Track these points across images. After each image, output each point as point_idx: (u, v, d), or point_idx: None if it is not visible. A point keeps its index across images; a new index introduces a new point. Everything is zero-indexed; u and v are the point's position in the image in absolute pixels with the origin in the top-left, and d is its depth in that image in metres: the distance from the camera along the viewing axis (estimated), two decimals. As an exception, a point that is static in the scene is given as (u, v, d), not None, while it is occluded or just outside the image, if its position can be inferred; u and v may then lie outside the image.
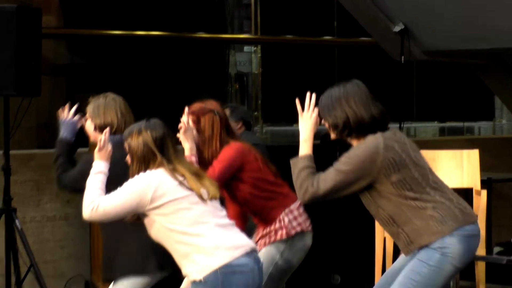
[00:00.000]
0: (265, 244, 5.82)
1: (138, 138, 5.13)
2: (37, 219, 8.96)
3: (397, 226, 5.16)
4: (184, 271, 5.06)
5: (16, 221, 8.37)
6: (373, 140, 5.13)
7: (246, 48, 12.76)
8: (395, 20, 9.07)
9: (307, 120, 5.34)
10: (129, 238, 5.84)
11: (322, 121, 5.33)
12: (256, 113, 11.88)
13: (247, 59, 12.77)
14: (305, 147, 5.30)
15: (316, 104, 5.35)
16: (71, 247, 9.13)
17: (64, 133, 6.46)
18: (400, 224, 5.13)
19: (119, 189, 5.04)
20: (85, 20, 11.59)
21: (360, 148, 5.16)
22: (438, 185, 5.22)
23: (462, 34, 8.87)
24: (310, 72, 12.39)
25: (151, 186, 4.96)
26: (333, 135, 5.34)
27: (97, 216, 5.06)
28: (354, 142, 5.31)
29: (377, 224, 5.56)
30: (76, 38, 11.61)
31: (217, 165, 5.71)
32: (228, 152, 5.80)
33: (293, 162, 5.28)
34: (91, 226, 8.66)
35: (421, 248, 5.09)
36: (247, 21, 12.57)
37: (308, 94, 5.35)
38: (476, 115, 12.97)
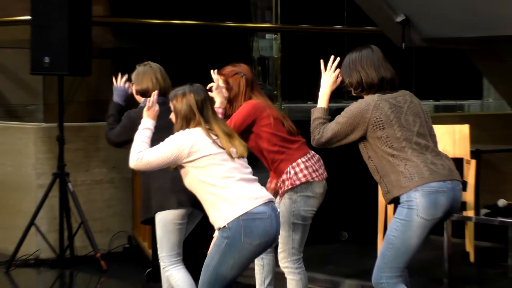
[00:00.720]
0: (281, 196, 5.77)
1: (183, 100, 5.17)
2: (87, 183, 8.88)
3: (380, 176, 5.19)
4: (211, 218, 5.08)
5: (69, 184, 8.47)
6: (368, 100, 5.18)
7: (267, 36, 12.69)
8: (397, 11, 8.98)
9: (327, 78, 5.43)
10: (157, 182, 5.85)
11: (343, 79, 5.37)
12: (276, 91, 11.83)
13: (269, 45, 12.72)
14: (322, 101, 5.42)
15: (338, 66, 5.42)
16: (116, 207, 9.06)
17: (116, 97, 6.51)
18: (382, 175, 5.17)
19: (162, 143, 5.08)
20: (129, 9, 11.51)
21: (355, 105, 5.21)
22: (419, 147, 5.18)
23: (457, 23, 8.78)
24: (323, 57, 12.19)
25: (189, 143, 5.00)
26: (351, 91, 5.36)
27: (141, 166, 5.12)
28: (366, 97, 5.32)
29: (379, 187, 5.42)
30: (121, 26, 11.54)
31: (234, 117, 5.72)
32: (245, 107, 5.78)
33: (311, 112, 5.37)
34: (133, 189, 8.58)
35: (394, 200, 5.16)
36: (268, 11, 12.59)
37: (332, 57, 5.46)
38: (467, 95, 12.94)
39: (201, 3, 11.31)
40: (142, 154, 5.07)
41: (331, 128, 5.19)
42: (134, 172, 8.12)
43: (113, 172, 9.10)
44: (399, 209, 5.16)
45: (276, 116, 5.81)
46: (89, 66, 8.69)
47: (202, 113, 5.16)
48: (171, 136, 5.13)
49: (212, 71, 5.81)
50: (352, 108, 5.19)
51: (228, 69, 5.93)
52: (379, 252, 5.27)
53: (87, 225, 8.47)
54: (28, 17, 8.67)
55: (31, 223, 8.43)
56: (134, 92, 6.28)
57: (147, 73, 6.21)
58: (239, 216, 4.89)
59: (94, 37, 9.05)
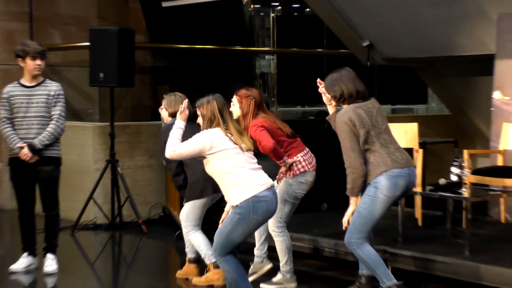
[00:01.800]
0: (280, 179, 5.80)
1: (207, 106, 5.23)
2: (131, 167, 8.88)
3: (365, 164, 5.21)
4: (226, 197, 5.13)
5: (118, 168, 8.53)
6: (347, 109, 5.26)
7: (267, 57, 12.64)
8: (363, 38, 8.93)
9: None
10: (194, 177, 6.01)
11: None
12: (273, 98, 11.79)
13: (267, 64, 12.68)
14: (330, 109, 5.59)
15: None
16: (153, 185, 9.06)
17: None
18: (365, 164, 5.20)
19: (190, 139, 5.12)
20: (163, 37, 11.46)
21: (340, 117, 5.26)
22: (386, 142, 5.24)
23: (408, 47, 8.73)
24: (307, 73, 12.22)
25: (210, 140, 5.06)
26: (334, 103, 5.45)
27: (174, 156, 5.18)
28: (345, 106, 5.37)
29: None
30: (156, 49, 11.50)
31: (260, 140, 5.66)
32: (255, 128, 5.73)
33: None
34: (166, 172, 8.53)
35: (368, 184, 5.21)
36: (267, 39, 12.59)
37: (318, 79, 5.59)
38: (415, 100, 12.91)
39: (218, 33, 11.29)
40: (175, 147, 5.10)
41: (343, 140, 5.24)
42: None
43: (151, 159, 9.06)
44: (368, 188, 5.22)
45: (277, 126, 5.80)
46: (133, 79, 8.73)
47: (222, 115, 5.20)
48: (198, 134, 5.16)
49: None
50: (340, 119, 5.24)
51: (243, 92, 5.89)
52: (351, 220, 5.29)
53: (131, 199, 8.49)
54: (88, 44, 8.65)
55: (90, 197, 8.47)
56: (165, 113, 6.31)
57: (177, 101, 6.15)
58: (249, 198, 4.96)
59: (136, 58, 9.07)
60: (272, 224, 5.79)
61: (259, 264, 6.08)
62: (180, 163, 6.04)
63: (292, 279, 5.93)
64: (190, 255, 6.20)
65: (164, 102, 6.32)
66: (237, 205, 5.01)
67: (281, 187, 5.77)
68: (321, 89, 5.51)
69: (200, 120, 5.28)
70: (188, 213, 6.04)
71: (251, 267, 6.04)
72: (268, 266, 6.08)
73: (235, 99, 5.80)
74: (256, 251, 6.08)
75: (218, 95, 5.31)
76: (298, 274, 5.96)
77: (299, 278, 5.98)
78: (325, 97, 5.47)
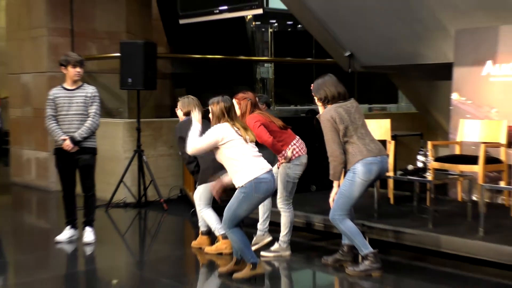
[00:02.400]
0: (279, 164, 5.82)
1: (217, 106, 5.24)
2: (154, 156, 8.85)
3: (345, 154, 5.24)
4: (233, 180, 5.14)
5: (143, 157, 8.54)
6: (329, 108, 5.29)
7: (265, 65, 12.62)
8: (345, 49, 8.89)
9: None
10: (205, 165, 5.99)
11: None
12: (271, 99, 11.79)
13: (266, 70, 12.69)
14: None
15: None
16: (172, 170, 9.01)
17: None
18: (345, 153, 5.23)
19: (205, 135, 5.15)
20: (180, 49, 11.46)
21: (324, 116, 5.29)
22: (362, 135, 5.27)
23: (382, 56, 8.71)
24: (299, 78, 12.22)
25: (222, 133, 5.11)
26: (320, 104, 5.44)
27: (195, 151, 5.23)
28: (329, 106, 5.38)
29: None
30: (174, 59, 11.52)
31: (256, 132, 5.62)
32: (254, 123, 5.74)
33: None
34: (182, 160, 8.54)
35: (348, 170, 5.24)
36: (266, 50, 12.59)
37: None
38: (388, 100, 12.87)
39: (225, 45, 11.29)
40: (196, 144, 5.14)
41: (326, 134, 5.27)
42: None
43: (170, 150, 9.01)
44: (348, 173, 5.25)
45: (270, 120, 5.80)
46: (155, 83, 8.69)
47: (229, 114, 5.22)
48: (210, 130, 5.18)
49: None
50: (324, 117, 5.27)
51: (240, 95, 5.89)
52: (335, 200, 5.31)
53: (154, 182, 8.47)
54: (119, 54, 8.63)
55: (121, 180, 8.46)
56: (180, 113, 6.31)
57: (190, 102, 6.19)
58: (251, 180, 5.03)
59: (158, 66, 9.02)
60: (281, 202, 5.86)
61: (261, 236, 6.09)
62: None
63: (287, 248, 5.95)
64: (202, 228, 6.21)
65: (179, 104, 6.31)
66: (242, 186, 5.04)
67: (282, 171, 5.80)
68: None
69: (210, 116, 5.29)
70: (201, 194, 6.04)
71: (254, 238, 6.04)
72: (268, 238, 6.09)
73: (234, 102, 5.76)
74: (259, 226, 6.09)
75: (227, 97, 5.33)
76: (292, 244, 5.98)
77: (293, 248, 5.99)
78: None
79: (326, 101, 5.36)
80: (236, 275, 5.17)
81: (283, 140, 5.77)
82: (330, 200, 5.36)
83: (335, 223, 5.33)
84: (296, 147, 5.80)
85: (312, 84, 5.49)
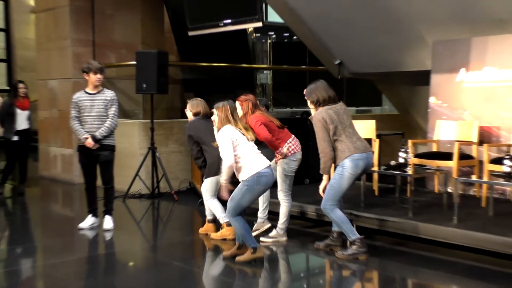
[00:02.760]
0: (277, 160, 5.81)
1: (222, 110, 5.19)
2: (166, 152, 8.81)
3: (335, 151, 5.25)
4: (237, 175, 5.15)
5: (156, 153, 8.49)
6: (320, 110, 5.29)
7: (265, 72, 12.56)
8: (335, 58, 8.87)
9: None
10: (211, 159, 5.97)
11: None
12: (269, 102, 11.75)
13: (265, 77, 12.61)
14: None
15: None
16: (182, 165, 8.98)
17: None
18: (335, 150, 5.23)
19: (223, 145, 5.09)
20: (189, 57, 11.46)
21: (316, 117, 5.28)
22: (350, 134, 5.27)
23: (367, 64, 8.71)
24: (294, 83, 12.21)
25: (231, 135, 5.09)
26: (313, 106, 5.41)
27: (231, 161, 5.07)
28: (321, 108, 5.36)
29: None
30: (184, 66, 11.51)
31: (257, 131, 5.64)
32: (255, 122, 5.74)
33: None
34: (191, 156, 8.53)
35: (337, 165, 5.26)
36: (265, 58, 12.55)
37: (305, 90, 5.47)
38: (373, 103, 12.83)
39: (229, 54, 11.28)
40: (226, 158, 5.06)
41: (317, 133, 5.26)
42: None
43: (180, 147, 8.97)
44: (337, 168, 5.26)
45: (269, 119, 5.81)
46: (167, 88, 8.64)
47: (233, 116, 5.21)
48: (222, 137, 5.12)
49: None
50: (316, 117, 5.26)
51: (242, 97, 5.85)
52: (325, 191, 5.33)
53: (166, 176, 8.44)
54: (135, 62, 8.60)
55: (136, 174, 8.44)
56: (189, 114, 6.25)
57: (199, 104, 6.20)
58: (254, 174, 5.05)
59: (170, 72, 8.99)
60: (281, 194, 5.87)
61: (261, 224, 6.10)
62: (200, 149, 6.06)
63: (284, 234, 5.95)
64: (209, 217, 6.21)
65: (188, 105, 6.28)
66: (246, 179, 5.05)
67: (279, 166, 5.81)
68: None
69: (215, 118, 5.25)
70: (207, 186, 6.03)
71: (255, 225, 6.05)
72: (267, 225, 6.09)
73: (237, 103, 5.76)
74: (259, 214, 6.11)
75: (231, 101, 5.31)
76: (288, 231, 5.98)
77: (289, 234, 6.00)
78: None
79: (318, 103, 5.36)
80: (238, 258, 5.18)
81: (280, 138, 5.78)
82: (320, 191, 5.37)
83: (326, 212, 5.34)
84: (292, 145, 5.80)
85: (305, 89, 5.47)
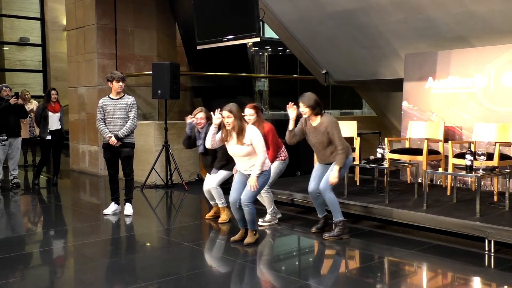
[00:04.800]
0: (272, 162, 5.73)
1: (237, 109, 4.96)
2: (178, 149, 8.71)
3: (330, 150, 5.25)
4: (259, 167, 4.96)
5: (169, 149, 8.41)
6: (328, 115, 5.27)
7: (262, 80, 12.50)
8: (322, 68, 8.86)
9: (292, 111, 5.21)
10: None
11: (302, 107, 5.19)
12: (266, 106, 11.71)
13: (263, 84, 12.54)
14: (291, 124, 5.25)
15: (296, 103, 5.23)
16: (192, 160, 8.94)
17: (187, 130, 6.23)
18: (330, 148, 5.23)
19: (259, 142, 4.89)
20: (198, 68, 11.41)
21: (333, 120, 5.20)
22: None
23: (350, 74, 8.70)
24: (288, 90, 12.17)
25: None
26: (309, 111, 5.19)
27: (263, 150, 4.97)
28: (314, 118, 5.23)
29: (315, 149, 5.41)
30: (194, 76, 11.46)
31: (273, 136, 5.72)
32: (272, 130, 5.77)
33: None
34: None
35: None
36: (263, 69, 12.49)
37: (290, 103, 5.24)
38: (355, 106, 12.80)
39: (231, 65, 11.26)
40: (265, 153, 4.93)
41: (338, 132, 5.18)
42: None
43: (191, 144, 8.95)
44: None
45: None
46: (178, 94, 8.56)
47: (241, 115, 5.00)
48: (257, 134, 4.91)
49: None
50: (333, 121, 5.18)
51: (252, 104, 5.75)
52: (327, 179, 5.27)
53: (178, 169, 8.40)
54: (151, 72, 8.54)
55: (152, 168, 8.40)
56: (202, 118, 6.07)
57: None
58: (270, 167, 5.09)
59: (181, 81, 8.92)
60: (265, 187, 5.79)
61: (273, 217, 5.94)
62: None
63: (276, 218, 5.94)
64: (214, 202, 6.17)
65: (201, 112, 6.08)
66: (267, 170, 4.99)
67: (276, 165, 5.80)
68: (299, 109, 5.22)
69: (230, 120, 4.93)
70: (222, 177, 5.99)
71: (267, 218, 5.92)
72: (276, 220, 5.99)
73: (249, 109, 5.60)
74: (269, 211, 5.92)
75: (234, 103, 5.08)
76: (280, 216, 5.95)
77: (280, 218, 6.01)
78: (295, 113, 5.20)
79: (317, 109, 5.24)
80: (247, 241, 5.08)
81: (280, 144, 5.87)
82: (336, 180, 5.19)
83: (326, 192, 5.25)
84: (284, 153, 5.88)
85: (301, 99, 5.23)
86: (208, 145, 5.11)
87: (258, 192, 5.05)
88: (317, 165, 5.48)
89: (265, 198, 5.81)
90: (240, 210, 5.08)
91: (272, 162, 5.74)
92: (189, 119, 6.10)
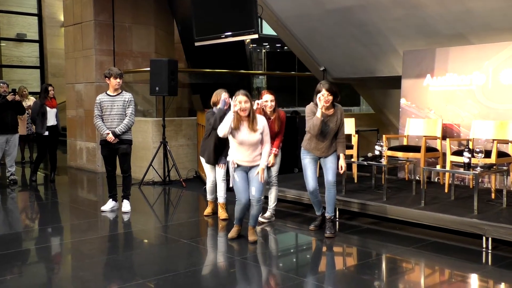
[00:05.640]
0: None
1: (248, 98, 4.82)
2: (176, 146, 8.76)
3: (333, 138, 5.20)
4: (266, 160, 4.94)
5: (167, 146, 8.39)
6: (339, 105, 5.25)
7: (260, 77, 12.51)
8: (320, 65, 8.86)
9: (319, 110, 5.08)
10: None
11: (327, 96, 5.03)
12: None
13: (261, 81, 12.56)
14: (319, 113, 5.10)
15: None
16: (189, 157, 8.93)
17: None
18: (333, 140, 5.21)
19: (268, 129, 4.87)
20: (196, 64, 11.38)
21: (343, 111, 5.28)
22: None
23: (348, 71, 8.70)
24: (285, 87, 12.14)
25: None
26: (331, 101, 5.06)
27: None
28: (331, 109, 5.14)
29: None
30: (191, 72, 11.44)
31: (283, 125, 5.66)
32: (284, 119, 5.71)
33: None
34: (197, 149, 8.49)
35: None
36: (260, 66, 12.50)
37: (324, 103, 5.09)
38: (353, 103, 12.81)
39: (230, 61, 11.24)
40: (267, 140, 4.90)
41: (344, 123, 5.28)
42: (197, 141, 8.04)
43: (188, 141, 8.92)
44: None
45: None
46: (176, 91, 8.53)
47: None
48: (266, 122, 4.86)
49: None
50: (343, 112, 5.25)
51: (271, 91, 5.69)
52: (334, 173, 5.27)
53: (176, 166, 8.39)
54: (149, 69, 8.51)
55: (150, 164, 8.36)
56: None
57: (217, 94, 6.04)
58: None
59: (179, 77, 8.88)
60: (276, 179, 5.78)
61: (272, 215, 5.95)
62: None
63: (273, 215, 5.95)
64: (212, 197, 6.19)
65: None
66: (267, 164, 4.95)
67: (278, 159, 5.76)
68: (322, 96, 5.03)
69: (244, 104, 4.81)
70: (221, 171, 5.96)
71: (267, 215, 5.92)
72: (273, 218, 5.99)
73: (269, 96, 5.55)
74: (270, 208, 5.90)
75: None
76: (276, 212, 5.97)
77: (277, 215, 6.02)
78: (326, 106, 5.08)
79: (338, 97, 5.19)
80: (253, 238, 5.03)
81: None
82: (343, 170, 5.26)
83: (334, 186, 5.26)
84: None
85: (325, 86, 5.07)
86: (224, 133, 4.83)
87: (264, 186, 5.03)
88: (308, 164, 5.28)
89: (273, 192, 5.82)
90: (248, 210, 5.01)
91: (278, 149, 5.69)
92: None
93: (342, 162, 5.22)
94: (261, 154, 4.91)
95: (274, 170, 5.76)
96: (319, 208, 5.53)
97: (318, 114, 5.05)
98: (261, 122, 4.87)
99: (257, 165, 4.90)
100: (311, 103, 5.19)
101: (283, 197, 6.57)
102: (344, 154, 5.25)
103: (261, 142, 4.90)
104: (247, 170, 4.95)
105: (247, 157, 4.89)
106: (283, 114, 5.70)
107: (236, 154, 4.93)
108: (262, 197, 4.95)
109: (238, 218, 5.14)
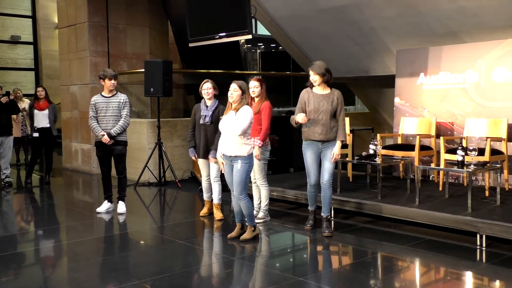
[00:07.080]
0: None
1: (247, 88, 4.97)
2: (171, 147, 8.76)
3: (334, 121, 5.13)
4: (238, 151, 4.84)
5: (162, 147, 8.42)
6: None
7: (255, 77, 12.53)
8: (314, 65, 8.86)
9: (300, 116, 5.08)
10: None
11: (313, 75, 5.09)
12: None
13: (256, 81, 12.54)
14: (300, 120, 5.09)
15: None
16: (185, 158, 8.88)
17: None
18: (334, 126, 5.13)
19: (245, 120, 4.75)
20: (190, 65, 11.38)
21: (340, 94, 5.19)
22: None
23: (342, 70, 8.69)
24: (280, 87, 12.10)
25: None
26: (319, 81, 5.09)
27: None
28: (323, 86, 5.14)
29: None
30: (186, 73, 11.44)
31: (268, 116, 5.54)
32: (269, 111, 5.61)
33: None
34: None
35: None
36: (255, 65, 12.48)
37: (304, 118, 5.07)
38: (347, 103, 12.80)
39: (224, 62, 11.22)
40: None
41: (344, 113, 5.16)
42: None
43: (183, 142, 8.89)
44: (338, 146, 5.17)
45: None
46: (171, 92, 8.53)
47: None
48: (250, 115, 4.77)
49: None
50: (341, 95, 5.14)
51: (259, 78, 5.75)
52: (331, 170, 5.22)
53: (171, 166, 8.36)
54: (143, 70, 8.50)
55: (145, 165, 8.36)
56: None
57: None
58: (251, 153, 4.91)
59: (173, 78, 8.88)
60: (261, 180, 5.69)
61: (266, 216, 5.90)
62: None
63: (268, 215, 5.91)
64: (208, 196, 6.18)
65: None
66: (246, 156, 4.80)
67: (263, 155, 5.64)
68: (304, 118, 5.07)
69: (235, 94, 4.92)
70: (216, 169, 5.93)
71: (259, 215, 5.88)
72: (268, 217, 5.96)
73: (255, 82, 5.56)
74: (263, 208, 5.87)
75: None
76: (272, 212, 5.95)
77: (272, 214, 6.01)
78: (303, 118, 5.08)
79: (327, 75, 5.12)
80: (244, 237, 5.07)
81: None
82: (339, 154, 5.18)
83: (329, 186, 5.24)
84: (267, 140, 5.67)
85: (311, 68, 5.11)
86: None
87: (246, 184, 4.93)
88: (309, 158, 5.24)
89: (263, 193, 5.76)
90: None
91: (263, 141, 5.52)
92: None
93: (336, 150, 5.11)
94: (242, 146, 4.82)
95: (257, 170, 5.62)
96: (313, 203, 5.51)
97: (298, 118, 5.08)
98: (242, 110, 4.81)
99: (238, 156, 4.83)
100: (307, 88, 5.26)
101: (280, 196, 6.57)
102: (343, 141, 5.15)
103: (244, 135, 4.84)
104: (230, 161, 4.92)
105: (227, 147, 4.88)
106: (266, 104, 5.54)
107: (222, 141, 4.96)
108: (243, 195, 4.88)
109: (235, 213, 5.18)
